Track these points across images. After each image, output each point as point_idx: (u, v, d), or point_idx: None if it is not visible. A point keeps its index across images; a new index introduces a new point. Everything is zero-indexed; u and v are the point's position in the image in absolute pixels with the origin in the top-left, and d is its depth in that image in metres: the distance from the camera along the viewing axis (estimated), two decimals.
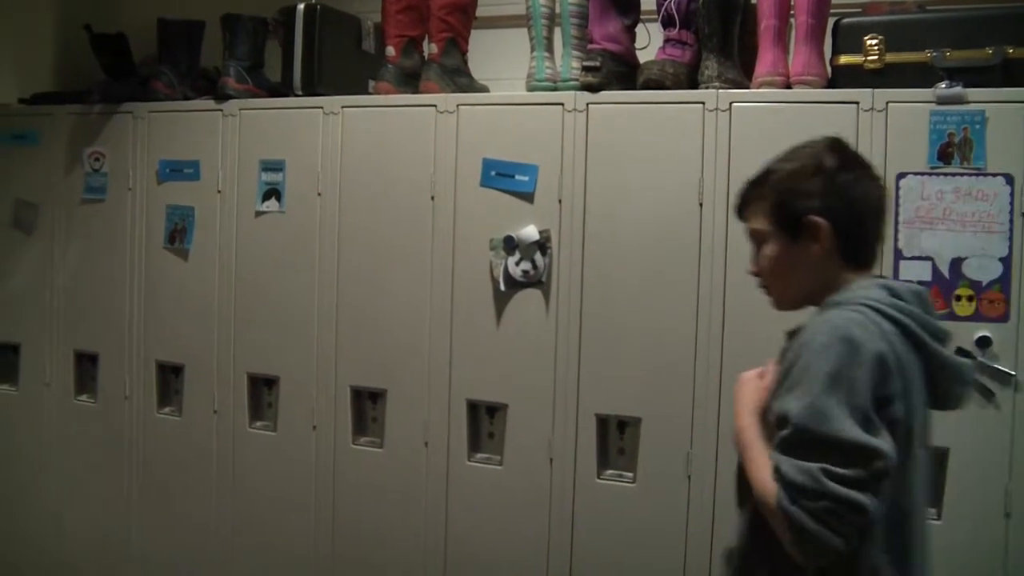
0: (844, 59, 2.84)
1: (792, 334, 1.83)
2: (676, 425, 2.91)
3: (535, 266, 3.04)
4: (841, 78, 2.85)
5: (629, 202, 2.95)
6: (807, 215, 1.80)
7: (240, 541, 3.53)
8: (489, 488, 3.15)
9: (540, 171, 3.05)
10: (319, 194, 3.35)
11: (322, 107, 3.36)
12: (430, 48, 3.35)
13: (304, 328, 3.39)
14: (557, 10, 3.17)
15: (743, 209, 1.94)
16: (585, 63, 3.03)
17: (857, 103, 2.73)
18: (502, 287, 3.08)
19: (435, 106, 3.20)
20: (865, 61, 2.80)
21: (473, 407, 3.19)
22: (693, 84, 2.97)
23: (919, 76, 2.72)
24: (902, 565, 1.71)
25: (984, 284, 2.62)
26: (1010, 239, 2.61)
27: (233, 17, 3.59)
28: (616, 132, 2.98)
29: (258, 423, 3.52)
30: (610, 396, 2.99)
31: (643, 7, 3.17)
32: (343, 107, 3.33)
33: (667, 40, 3.05)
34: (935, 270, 2.65)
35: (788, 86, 2.87)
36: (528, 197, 3.07)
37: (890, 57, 2.78)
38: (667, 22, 3.04)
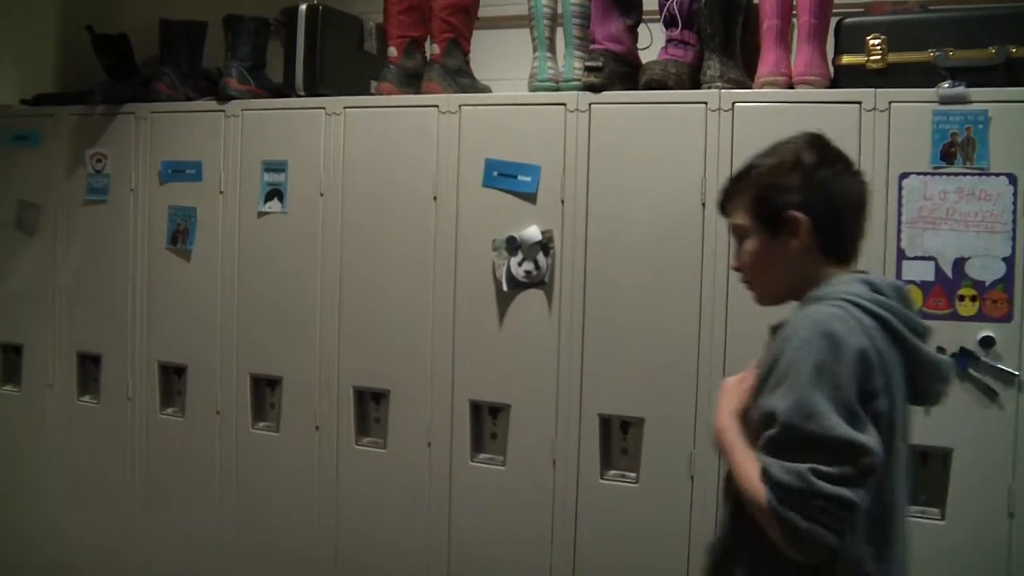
0: (846, 59, 2.83)
1: (776, 329, 1.85)
2: (679, 425, 2.91)
3: (538, 266, 3.04)
4: (843, 78, 2.84)
5: (632, 202, 2.95)
6: (786, 210, 1.82)
7: (243, 541, 3.53)
8: (492, 488, 3.15)
9: (542, 171, 3.05)
10: (321, 195, 3.35)
11: (324, 108, 3.36)
12: (432, 49, 3.34)
13: (307, 328, 3.39)
14: (559, 10, 3.17)
15: (725, 204, 1.95)
16: (587, 63, 3.03)
17: (860, 103, 2.73)
18: (505, 287, 3.08)
19: (437, 107, 3.20)
20: (868, 61, 2.80)
21: (476, 407, 3.19)
22: (695, 84, 2.97)
23: (922, 76, 2.72)
24: (884, 557, 1.73)
25: (987, 284, 2.61)
26: (1013, 239, 2.60)
27: (235, 18, 3.59)
28: (618, 132, 2.98)
29: (261, 424, 3.52)
30: (613, 396, 2.99)
31: (645, 7, 3.17)
32: (345, 108, 3.33)
33: (669, 40, 3.05)
34: (938, 270, 2.65)
35: (790, 86, 2.87)
36: (530, 197, 3.07)
37: (893, 57, 2.78)
38: (669, 22, 3.04)
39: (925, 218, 2.66)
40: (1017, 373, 2.60)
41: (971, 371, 2.61)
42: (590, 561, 3.03)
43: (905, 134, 2.69)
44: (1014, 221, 2.60)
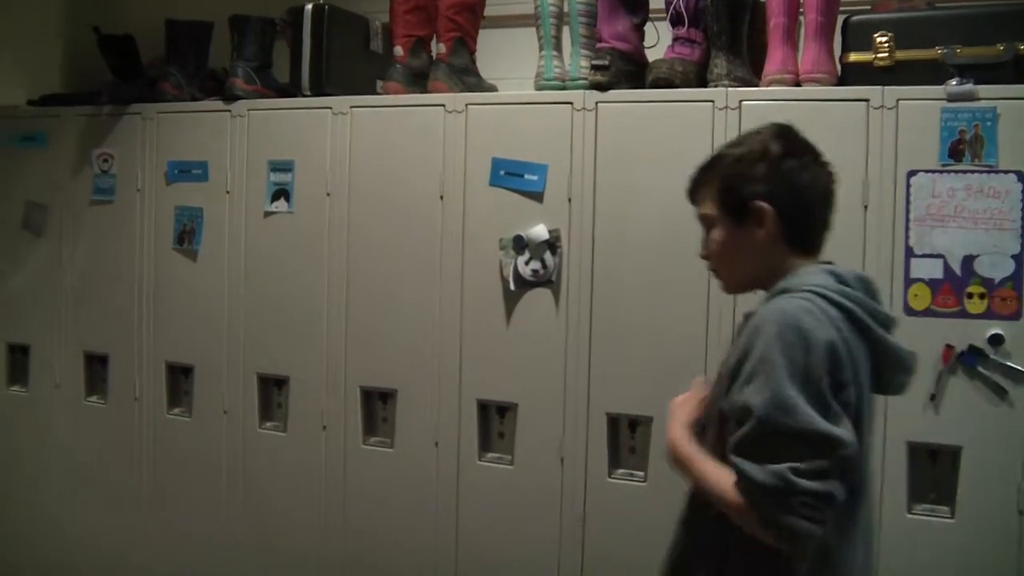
0: (854, 57, 2.83)
1: (745, 320, 1.87)
2: None
3: (545, 265, 3.04)
4: (851, 76, 2.84)
5: (639, 201, 2.95)
6: (752, 200, 1.83)
7: (249, 541, 3.53)
8: (500, 488, 3.15)
9: (549, 170, 3.05)
10: (328, 194, 3.35)
11: (331, 107, 3.36)
12: (438, 48, 3.34)
13: (314, 328, 3.39)
14: (565, 9, 3.17)
15: (694, 194, 1.97)
16: (594, 62, 3.02)
17: (867, 101, 2.72)
18: (512, 287, 3.08)
19: (444, 106, 3.20)
20: (875, 58, 2.79)
21: (483, 407, 3.18)
22: (702, 83, 2.97)
23: (929, 73, 2.70)
24: (848, 539, 1.75)
25: (996, 282, 2.60)
26: (1022, 236, 2.59)
27: (241, 18, 3.59)
28: (625, 131, 2.98)
29: (268, 424, 3.52)
30: (621, 395, 2.98)
31: (652, 6, 3.16)
32: (352, 107, 3.33)
33: (676, 38, 3.05)
34: (947, 268, 2.64)
35: (798, 84, 2.86)
36: (537, 196, 3.07)
37: (900, 54, 2.77)
38: (676, 20, 3.04)
39: (933, 216, 2.65)
40: None
41: (980, 369, 2.60)
42: (599, 560, 3.03)
43: (913, 132, 2.68)
44: (1023, 218, 2.59)
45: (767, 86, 2.88)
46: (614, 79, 3.01)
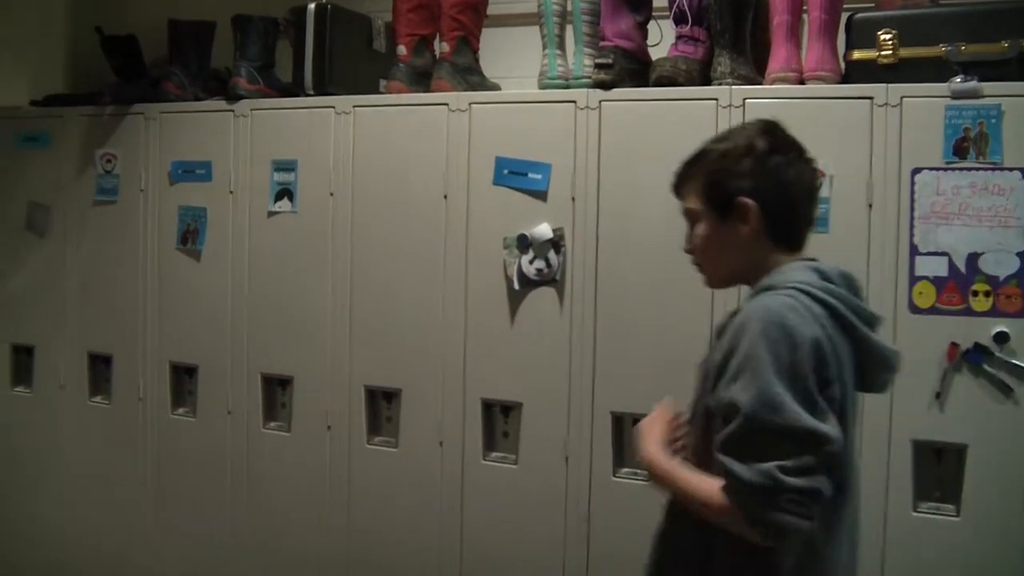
0: (858, 54, 2.82)
1: (729, 318, 1.87)
2: None
3: (549, 264, 3.03)
4: (855, 73, 2.83)
5: (643, 199, 2.94)
6: (737, 196, 1.83)
7: (254, 541, 3.53)
8: (504, 487, 3.15)
9: (553, 169, 3.04)
10: (331, 194, 3.35)
11: (334, 107, 3.36)
12: (441, 47, 3.34)
13: (318, 328, 3.38)
14: (569, 7, 3.17)
15: (679, 188, 1.98)
16: (597, 60, 3.02)
17: (871, 98, 2.72)
18: (516, 286, 3.08)
19: (447, 105, 3.19)
20: (879, 56, 2.78)
21: (488, 406, 3.18)
22: (706, 81, 2.96)
23: (934, 71, 2.70)
24: (833, 534, 1.76)
25: (1001, 279, 2.60)
26: None
27: (244, 18, 3.59)
28: (629, 129, 2.97)
29: (272, 423, 3.52)
30: (625, 394, 2.98)
31: (655, 4, 3.16)
32: (355, 106, 3.33)
33: (679, 37, 3.04)
34: (951, 265, 2.63)
35: (801, 82, 2.86)
36: (541, 195, 3.06)
37: (904, 52, 2.76)
38: (679, 19, 3.03)
39: (938, 213, 2.65)
40: None
41: (985, 367, 2.60)
42: (604, 559, 3.03)
43: (917, 129, 2.68)
44: None
45: (771, 84, 2.88)
46: (618, 78, 3.00)
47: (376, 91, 3.53)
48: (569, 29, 3.19)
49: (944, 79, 2.67)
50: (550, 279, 3.05)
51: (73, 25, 4.22)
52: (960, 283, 2.63)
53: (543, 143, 3.06)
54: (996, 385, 2.60)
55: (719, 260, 1.92)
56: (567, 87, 3.11)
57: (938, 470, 2.69)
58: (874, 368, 1.83)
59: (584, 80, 3.08)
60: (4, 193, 3.97)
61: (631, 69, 3.04)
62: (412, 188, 3.24)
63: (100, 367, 3.83)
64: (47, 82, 4.13)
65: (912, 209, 2.67)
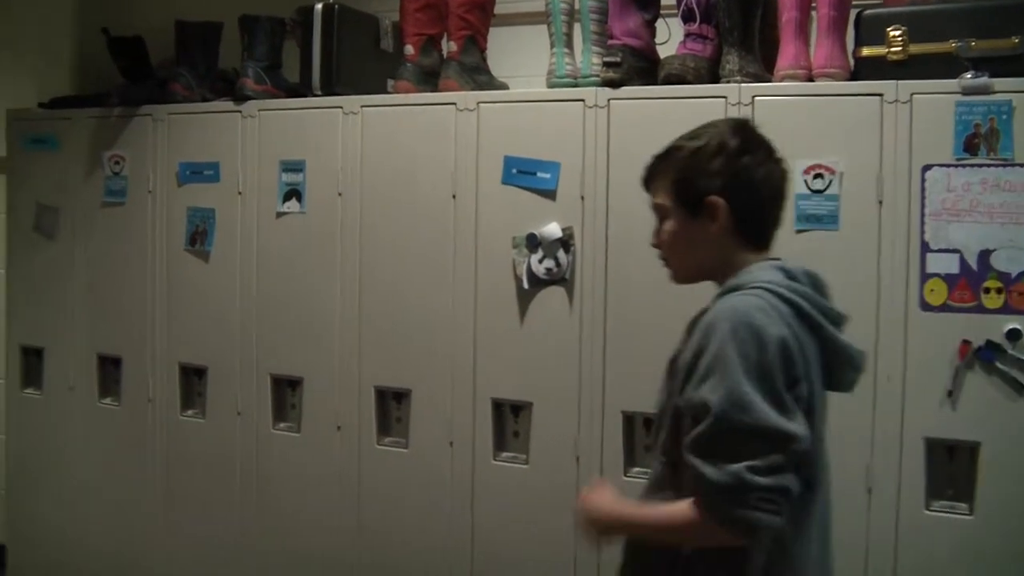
0: (867, 51, 2.81)
1: (696, 318, 1.89)
2: None
3: (558, 263, 3.03)
4: (864, 70, 2.82)
5: None
6: (706, 194, 1.84)
7: (263, 542, 3.53)
8: (515, 487, 3.14)
9: (562, 168, 3.04)
10: (340, 194, 3.35)
11: (341, 107, 3.35)
12: (449, 46, 3.34)
13: (327, 328, 3.38)
14: (576, 6, 3.16)
15: (648, 182, 1.97)
16: (606, 59, 3.01)
17: (881, 95, 2.71)
18: (525, 285, 3.07)
19: (455, 104, 3.19)
20: (888, 53, 2.77)
21: (498, 406, 3.18)
22: (714, 79, 2.96)
23: (944, 67, 2.68)
24: (802, 530, 1.77)
25: (1013, 276, 2.59)
26: None
27: (251, 18, 3.59)
28: (638, 128, 2.96)
29: (282, 424, 3.52)
30: (636, 393, 2.96)
31: (663, 2, 3.15)
32: (363, 106, 3.33)
33: (687, 35, 3.03)
34: (963, 262, 2.62)
35: (810, 79, 2.85)
36: (550, 194, 3.06)
37: (914, 48, 2.75)
38: (687, 16, 3.02)
39: (949, 210, 2.64)
40: None
41: (998, 364, 2.59)
42: (615, 559, 3.01)
43: (927, 126, 2.67)
44: None
45: (780, 81, 2.87)
46: (626, 76, 3.00)
47: (384, 91, 3.53)
48: (577, 28, 3.18)
49: (954, 75, 2.65)
50: (559, 278, 3.04)
51: (80, 27, 4.22)
52: (972, 280, 2.62)
53: (552, 142, 3.06)
54: (1008, 382, 2.59)
55: (686, 256, 1.93)
56: (575, 86, 3.11)
57: (951, 468, 2.68)
58: (840, 367, 1.84)
59: (592, 79, 3.07)
60: (13, 195, 3.99)
61: (639, 67, 3.04)
62: (420, 188, 3.23)
63: (109, 369, 3.83)
64: (54, 84, 4.13)
65: (923, 206, 2.66)
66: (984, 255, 2.61)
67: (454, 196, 3.18)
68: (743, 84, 2.86)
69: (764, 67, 2.96)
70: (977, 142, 2.62)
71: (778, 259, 1.88)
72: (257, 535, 3.54)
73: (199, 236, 3.59)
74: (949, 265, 2.64)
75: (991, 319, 2.60)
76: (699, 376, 1.71)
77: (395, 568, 3.32)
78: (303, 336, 3.43)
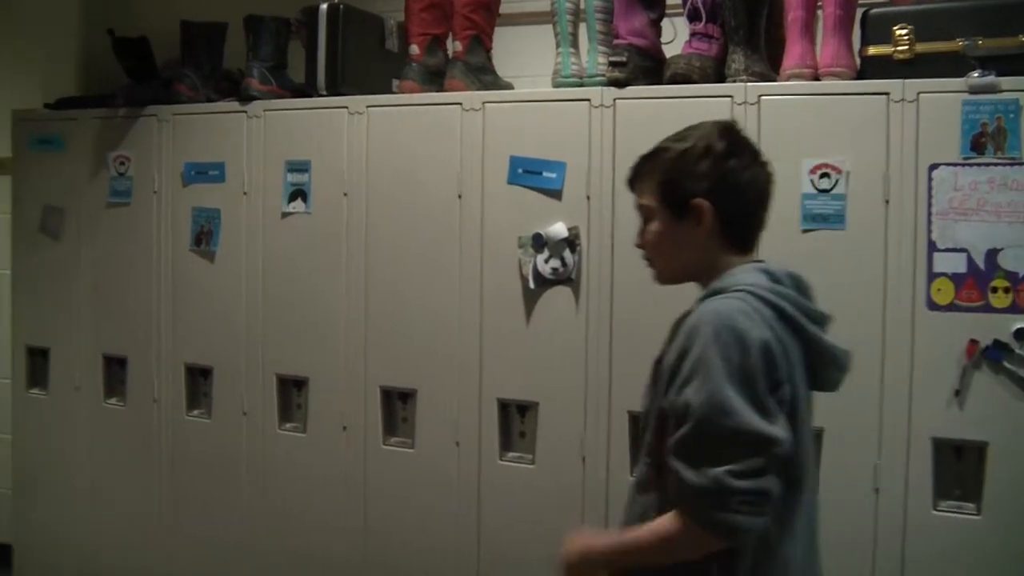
0: (873, 50, 2.81)
1: (679, 321, 1.89)
2: None
3: (564, 263, 3.03)
4: (870, 69, 2.82)
5: None
6: (692, 197, 1.84)
7: (270, 542, 3.53)
8: (521, 487, 3.14)
9: (568, 168, 3.04)
10: (345, 194, 3.35)
11: (347, 107, 3.35)
12: (454, 46, 3.34)
13: (333, 329, 3.38)
14: (582, 5, 3.16)
15: (633, 183, 1.99)
16: (611, 58, 3.01)
17: (887, 94, 2.71)
18: (531, 285, 3.07)
19: (461, 104, 3.19)
20: (895, 51, 2.77)
21: (504, 406, 3.17)
22: (720, 78, 2.95)
23: (950, 66, 2.68)
24: (788, 531, 1.77)
25: (1021, 275, 2.58)
26: None
27: (256, 18, 3.59)
28: (644, 127, 2.93)
29: (288, 425, 3.52)
30: (642, 393, 2.96)
31: (668, 1, 3.15)
32: (368, 107, 3.32)
33: (693, 34, 3.03)
34: (970, 262, 2.62)
35: (817, 78, 2.85)
36: (556, 194, 3.05)
37: (920, 47, 2.75)
38: (693, 16, 3.02)
39: (956, 209, 2.64)
40: None
41: (1005, 364, 2.58)
42: None
43: (934, 125, 2.66)
44: None
45: (786, 80, 2.87)
46: (632, 75, 2.99)
47: (389, 91, 3.53)
48: (583, 27, 3.18)
49: (961, 74, 2.65)
50: (565, 278, 3.04)
51: (85, 27, 4.23)
52: (979, 279, 2.62)
53: (557, 142, 3.06)
54: (1016, 382, 2.58)
55: (671, 258, 1.93)
56: (581, 85, 3.11)
57: (958, 468, 2.68)
58: (825, 367, 1.84)
59: (598, 78, 3.07)
60: (18, 196, 3.99)
61: (645, 67, 3.03)
62: (426, 188, 3.23)
63: (115, 369, 3.83)
64: (60, 85, 4.14)
65: (930, 205, 2.66)
66: (991, 254, 2.61)
67: (460, 196, 3.18)
68: (749, 83, 2.86)
69: (770, 66, 2.95)
70: (984, 141, 2.61)
71: (762, 261, 1.89)
72: (263, 535, 3.54)
73: (204, 236, 3.59)
74: (956, 264, 2.64)
75: (999, 318, 2.60)
76: (682, 379, 1.72)
77: (401, 568, 3.32)
78: (309, 336, 3.43)
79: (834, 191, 2.73)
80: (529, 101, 3.15)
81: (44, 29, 4.18)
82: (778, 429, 1.65)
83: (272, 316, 3.49)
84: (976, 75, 2.63)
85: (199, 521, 3.66)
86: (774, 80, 2.90)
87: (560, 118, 3.06)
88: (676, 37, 3.16)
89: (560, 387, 3.06)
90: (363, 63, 3.51)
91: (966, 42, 2.68)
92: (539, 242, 3.04)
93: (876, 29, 2.81)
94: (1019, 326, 2.57)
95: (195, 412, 3.68)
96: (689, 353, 1.71)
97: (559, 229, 3.02)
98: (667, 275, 1.97)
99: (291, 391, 3.52)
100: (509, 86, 3.41)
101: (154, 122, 3.70)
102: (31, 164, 3.94)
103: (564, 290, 3.05)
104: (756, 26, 2.96)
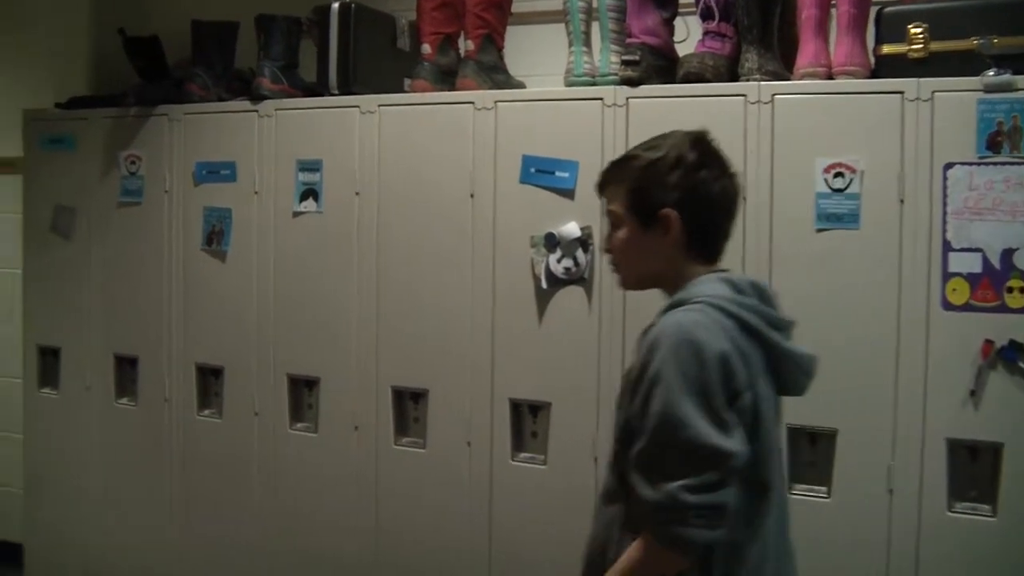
0: (887, 49, 2.79)
1: (645, 332, 1.89)
2: None
3: (577, 263, 3.02)
4: (884, 68, 2.80)
5: None
6: (661, 207, 1.85)
7: (280, 542, 3.52)
8: (533, 488, 3.13)
9: (580, 167, 3.03)
10: (357, 194, 3.34)
11: (358, 106, 3.35)
12: (466, 45, 3.33)
13: (344, 328, 3.38)
14: (595, 4, 3.15)
15: (603, 188, 2.00)
16: (624, 57, 3.01)
17: (902, 93, 2.69)
18: (544, 285, 3.06)
19: (473, 103, 3.18)
20: (909, 50, 2.76)
21: (516, 406, 3.17)
22: (733, 77, 2.94)
23: (965, 64, 2.67)
24: (758, 535, 1.79)
25: None
26: None
27: (267, 17, 3.59)
28: (657, 126, 2.87)
29: (299, 424, 3.51)
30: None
31: (681, 0, 3.13)
32: (380, 106, 3.32)
33: (706, 33, 3.02)
34: (986, 261, 2.60)
35: (830, 77, 2.83)
36: (569, 193, 3.05)
37: (935, 45, 2.73)
38: (706, 14, 3.01)
39: (971, 209, 2.62)
40: None
41: (1021, 364, 2.56)
42: None
43: (949, 124, 2.65)
44: None
45: (799, 79, 2.85)
46: (645, 74, 2.98)
47: (401, 90, 3.51)
48: (595, 26, 3.17)
49: (976, 73, 2.64)
50: (578, 278, 3.03)
51: (96, 27, 4.22)
52: (994, 279, 2.60)
53: (570, 141, 3.05)
54: None
55: (637, 264, 1.95)
56: (594, 84, 3.10)
57: (973, 469, 2.66)
58: (789, 373, 1.86)
59: (611, 77, 3.06)
60: (30, 195, 3.99)
61: (658, 66, 3.02)
62: (438, 187, 3.22)
63: (126, 368, 3.84)
64: (71, 84, 4.14)
65: (945, 204, 2.64)
66: (1007, 254, 2.59)
67: (472, 195, 3.17)
68: (763, 82, 2.85)
69: (783, 65, 2.94)
70: (1000, 140, 2.60)
71: (726, 271, 1.90)
72: (274, 535, 3.53)
73: (215, 236, 3.59)
74: (971, 264, 2.62)
75: (1014, 319, 2.58)
76: (642, 392, 1.73)
77: (413, 569, 3.31)
78: (320, 336, 3.42)
79: (848, 190, 2.72)
80: (541, 100, 3.14)
81: (55, 28, 4.19)
82: (734, 442, 1.67)
83: (283, 316, 3.49)
84: (991, 73, 2.61)
85: (210, 521, 3.66)
86: (788, 79, 2.89)
87: (572, 117, 3.05)
88: (689, 36, 3.15)
89: (572, 387, 3.05)
90: (375, 62, 3.51)
91: (981, 40, 2.67)
92: (551, 242, 3.04)
93: (890, 27, 2.79)
94: None
95: (206, 412, 3.68)
96: (649, 366, 1.73)
97: (572, 229, 3.01)
98: (632, 282, 1.99)
99: (302, 391, 3.52)
100: (521, 85, 3.40)
101: (165, 121, 3.70)
102: (42, 164, 3.95)
103: (576, 290, 3.04)
104: (769, 24, 2.94)
